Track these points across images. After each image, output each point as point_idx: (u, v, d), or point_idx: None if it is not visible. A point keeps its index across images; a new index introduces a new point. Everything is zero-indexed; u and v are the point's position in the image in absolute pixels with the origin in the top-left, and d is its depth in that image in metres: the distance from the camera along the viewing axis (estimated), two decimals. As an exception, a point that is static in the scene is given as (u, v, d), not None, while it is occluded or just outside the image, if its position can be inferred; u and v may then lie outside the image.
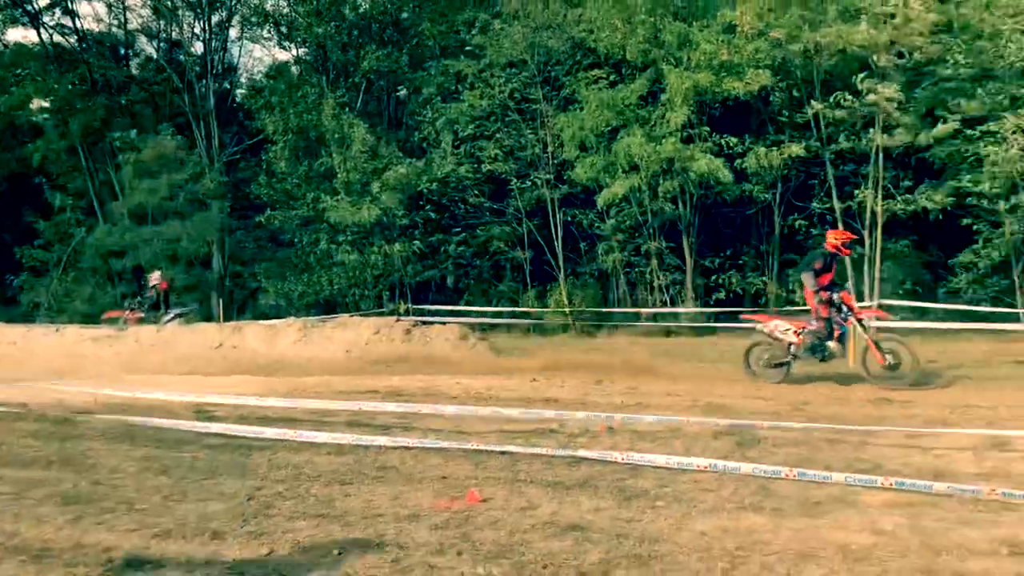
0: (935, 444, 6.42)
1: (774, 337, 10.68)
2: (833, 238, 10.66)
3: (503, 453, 6.11)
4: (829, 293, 10.35)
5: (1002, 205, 18.02)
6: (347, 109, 24.14)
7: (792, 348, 10.50)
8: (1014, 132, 17.35)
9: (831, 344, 10.34)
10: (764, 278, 21.46)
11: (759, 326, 11.01)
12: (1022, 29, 17.45)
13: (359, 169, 23.17)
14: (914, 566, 3.79)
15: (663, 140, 19.70)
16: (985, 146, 17.72)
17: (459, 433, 7.03)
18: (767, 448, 6.34)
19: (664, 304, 21.57)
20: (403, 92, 27.56)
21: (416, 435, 6.86)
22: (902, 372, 10.00)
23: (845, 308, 10.35)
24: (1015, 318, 17.76)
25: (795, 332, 10.52)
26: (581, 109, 20.89)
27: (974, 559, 3.88)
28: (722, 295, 21.27)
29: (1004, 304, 18.40)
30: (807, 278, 10.50)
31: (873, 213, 19.22)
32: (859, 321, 10.40)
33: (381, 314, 20.06)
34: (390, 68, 25.27)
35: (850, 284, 12.06)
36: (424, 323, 15.94)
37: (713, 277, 21.53)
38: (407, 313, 20.55)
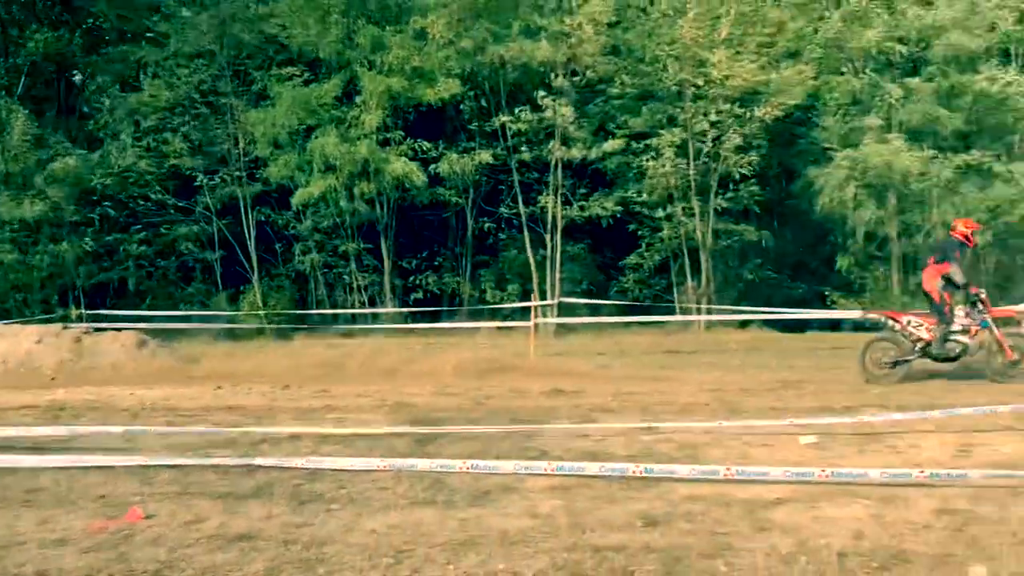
0: (596, 430, 7.03)
1: (906, 332, 10.30)
2: (964, 226, 10.46)
3: (173, 467, 5.79)
4: (977, 289, 10.24)
5: (660, 213, 20.23)
6: (6, 93, 21.58)
7: (919, 345, 10.22)
8: (669, 147, 19.54)
9: (965, 339, 10.07)
10: (458, 278, 22.24)
11: (890, 323, 10.58)
12: (676, 56, 19.68)
13: (20, 160, 20.79)
14: (562, 544, 4.12)
15: (358, 141, 19.77)
16: (646, 160, 19.77)
17: (127, 448, 6.56)
18: (446, 443, 6.58)
19: (363, 305, 21.63)
20: (77, 78, 25.10)
21: (75, 452, 6.29)
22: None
23: (981, 305, 10.13)
24: (672, 312, 19.99)
25: (927, 328, 10.19)
26: (274, 106, 20.35)
27: (613, 533, 4.30)
28: (420, 295, 21.75)
29: (663, 301, 20.65)
30: (956, 270, 10.09)
31: (554, 218, 20.68)
32: (993, 319, 10.19)
33: (49, 321, 18.11)
34: (60, 51, 22.90)
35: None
36: (98, 330, 14.64)
37: (411, 278, 21.96)
38: (79, 319, 18.73)
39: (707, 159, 20.15)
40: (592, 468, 5.50)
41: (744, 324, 18.96)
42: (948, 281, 10.11)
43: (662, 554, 3.98)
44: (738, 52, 19.65)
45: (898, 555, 3.95)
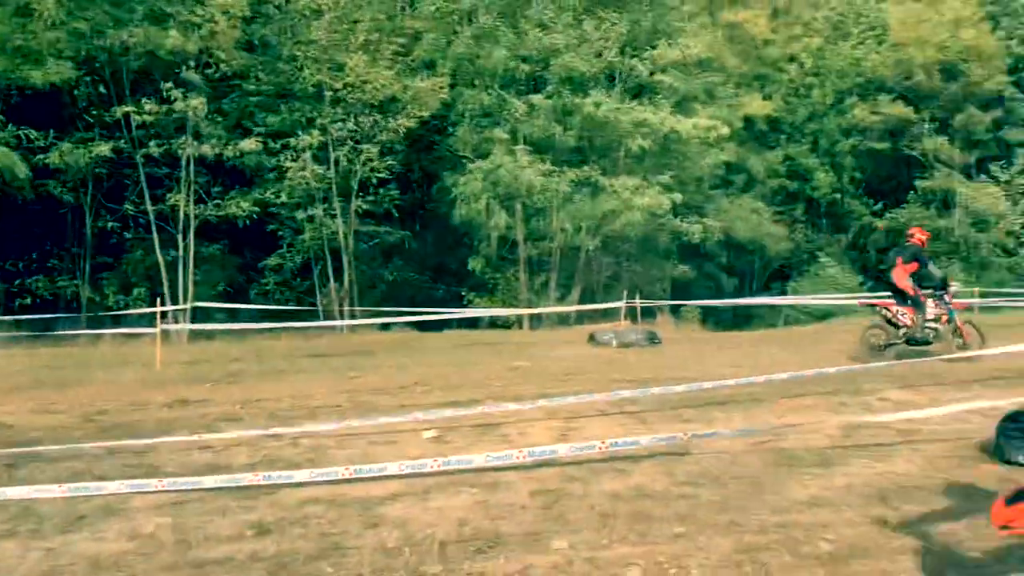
0: (218, 441, 6.74)
1: (895, 321, 11.50)
2: (920, 234, 12.07)
3: None
4: (954, 282, 11.94)
5: (301, 214, 19.99)
6: None
7: (902, 331, 11.42)
8: (309, 149, 19.39)
9: (937, 325, 11.37)
10: (76, 282, 20.17)
11: (883, 311, 11.75)
12: (314, 57, 19.57)
13: None
14: (161, 564, 3.89)
15: (-55, 126, 17.14)
16: (286, 160, 19.44)
17: None
18: (41, 466, 5.91)
19: (-45, 313, 18.78)
20: None
21: None
22: (972, 348, 11.08)
23: (947, 297, 11.57)
24: (316, 316, 19.84)
25: (909, 317, 11.41)
26: None
27: (221, 546, 4.14)
28: (28, 301, 19.39)
29: (307, 303, 20.43)
30: (933, 268, 11.85)
31: (186, 217, 19.53)
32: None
33: None
34: None
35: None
36: None
37: (17, 281, 19.50)
38: None
39: (348, 162, 20.28)
40: (207, 481, 5.26)
41: (386, 325, 19.37)
42: (915, 278, 11.67)
43: (269, 562, 3.92)
44: (375, 59, 20.02)
45: (495, 538, 4.25)
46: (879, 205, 29.95)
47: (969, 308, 14.50)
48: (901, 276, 11.71)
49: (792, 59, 30.65)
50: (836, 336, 17.54)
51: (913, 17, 30.12)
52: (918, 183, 28.96)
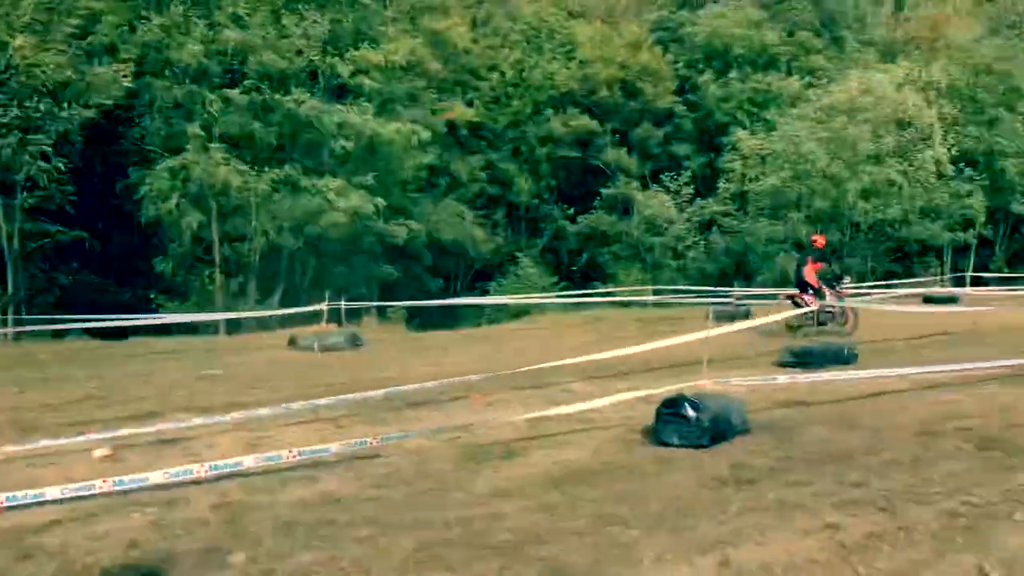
0: None
1: (807, 307, 14.15)
2: (822, 239, 15.46)
3: None
4: (846, 276, 16.07)
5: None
6: None
7: (810, 313, 14.06)
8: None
9: (834, 311, 14.25)
10: None
11: (797, 300, 14.44)
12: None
13: None
14: None
15: None
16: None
17: None
18: None
19: None
20: None
21: None
22: (850, 328, 14.20)
23: (840, 288, 14.73)
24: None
25: (814, 304, 14.20)
26: None
27: None
28: None
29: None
30: (836, 267, 16.37)
31: None
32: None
33: None
34: None
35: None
36: None
37: None
38: None
39: (13, 153, 18.05)
40: None
41: (60, 333, 17.51)
42: (822, 273, 14.76)
43: None
44: (44, 40, 18.01)
45: (167, 557, 3.99)
46: (572, 210, 32.11)
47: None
48: (810, 272, 14.76)
49: (493, 68, 31.96)
50: (532, 332, 18.63)
51: (598, 36, 32.68)
52: (603, 191, 31.42)
